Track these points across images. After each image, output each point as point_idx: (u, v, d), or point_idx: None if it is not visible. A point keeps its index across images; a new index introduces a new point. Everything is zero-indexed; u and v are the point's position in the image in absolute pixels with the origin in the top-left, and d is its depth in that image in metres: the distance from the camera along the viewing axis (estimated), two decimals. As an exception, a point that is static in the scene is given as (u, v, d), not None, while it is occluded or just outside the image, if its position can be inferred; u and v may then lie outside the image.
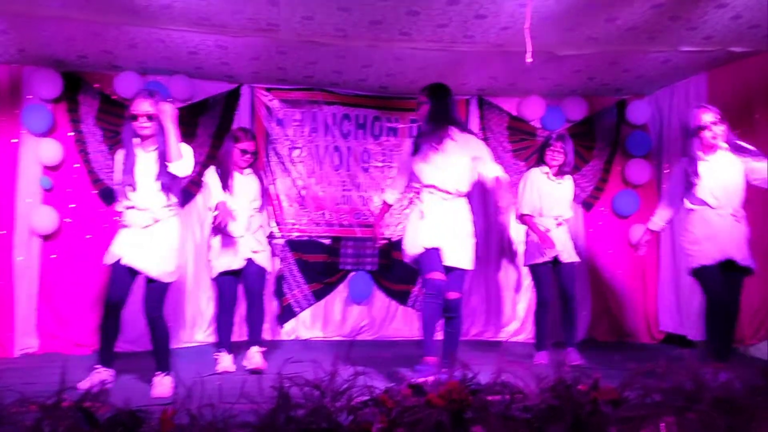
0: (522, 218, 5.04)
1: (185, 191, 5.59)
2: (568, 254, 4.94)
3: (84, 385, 2.94)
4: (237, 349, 4.78)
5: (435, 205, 3.96)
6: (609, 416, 1.79)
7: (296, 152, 6.04)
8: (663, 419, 1.83)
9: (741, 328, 4.72)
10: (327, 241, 6.08)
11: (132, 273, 3.78)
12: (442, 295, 3.84)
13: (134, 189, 3.75)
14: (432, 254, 3.89)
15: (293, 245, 5.99)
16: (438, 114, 3.98)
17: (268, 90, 5.94)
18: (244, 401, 2.03)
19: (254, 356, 4.59)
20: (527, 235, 5.08)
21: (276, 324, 5.94)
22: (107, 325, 3.82)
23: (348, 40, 4.65)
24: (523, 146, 6.16)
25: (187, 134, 5.56)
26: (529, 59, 3.77)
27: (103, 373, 3.74)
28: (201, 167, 5.61)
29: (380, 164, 6.17)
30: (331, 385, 1.96)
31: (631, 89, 6.09)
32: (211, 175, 4.66)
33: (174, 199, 3.86)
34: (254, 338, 4.71)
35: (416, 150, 4.03)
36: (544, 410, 1.82)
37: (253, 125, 5.86)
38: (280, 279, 5.93)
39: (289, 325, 5.98)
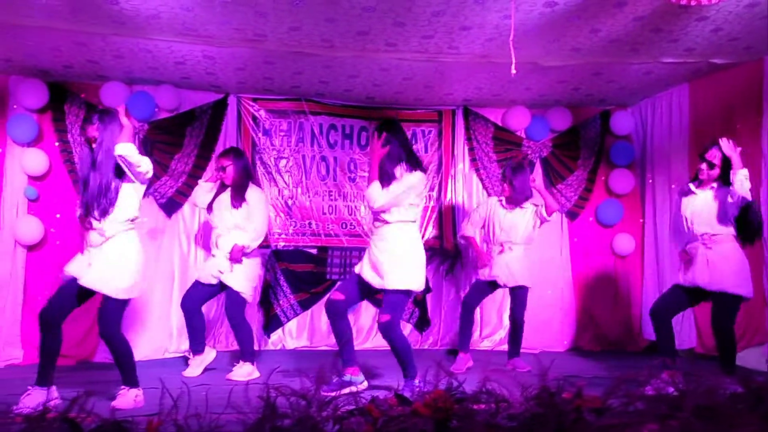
0: (464, 238, 5.48)
1: (171, 201, 5.60)
2: (511, 279, 5.07)
3: (22, 410, 2.75)
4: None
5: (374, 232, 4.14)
6: (592, 424, 1.81)
7: (283, 162, 6.05)
8: (646, 427, 1.85)
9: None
10: (313, 251, 6.08)
11: (81, 293, 3.65)
12: (337, 315, 4.07)
13: (82, 208, 3.70)
14: (352, 276, 4.18)
15: (280, 255, 5.98)
16: (398, 150, 4.02)
17: (255, 100, 5.95)
18: (230, 411, 2.04)
19: (236, 371, 4.65)
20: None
21: (262, 334, 5.93)
22: (45, 342, 3.63)
23: (335, 51, 4.68)
24: (509, 156, 6.20)
25: (174, 144, 5.59)
26: (513, 70, 3.80)
27: (37, 395, 3.51)
28: (187, 177, 5.63)
29: (367, 174, 6.18)
30: (317, 395, 1.97)
31: (614, 100, 6.16)
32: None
33: (126, 215, 3.69)
34: (241, 355, 4.77)
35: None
36: (528, 418, 1.84)
37: (240, 135, 5.87)
38: (266, 289, 5.93)
39: (275, 335, 5.98)
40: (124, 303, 3.70)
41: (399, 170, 3.98)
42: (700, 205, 4.18)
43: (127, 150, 3.57)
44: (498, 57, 4.61)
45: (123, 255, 3.68)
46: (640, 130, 6.30)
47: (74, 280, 3.66)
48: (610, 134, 6.31)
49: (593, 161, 6.30)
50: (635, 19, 4.08)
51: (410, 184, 3.94)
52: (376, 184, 3.93)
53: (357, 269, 4.12)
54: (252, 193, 4.80)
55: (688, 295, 4.23)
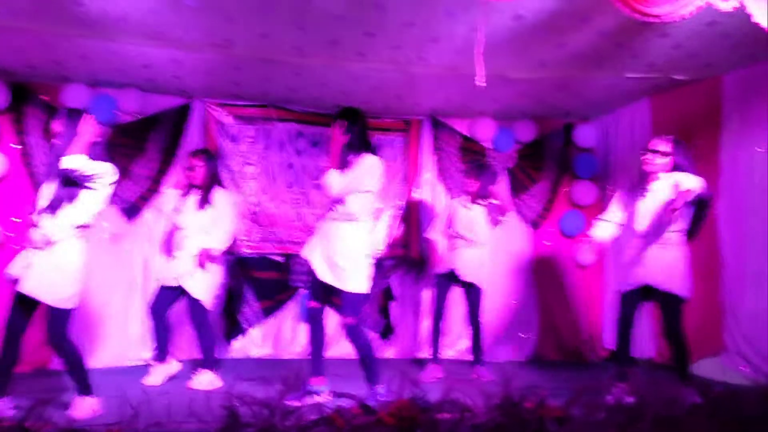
0: (427, 240, 5.64)
1: (134, 206, 5.51)
2: (467, 274, 5.17)
3: None
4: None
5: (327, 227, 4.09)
6: (554, 433, 1.83)
7: (249, 169, 6.00)
8: (606, 436, 1.88)
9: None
10: (279, 259, 6.04)
11: (25, 299, 3.52)
12: (317, 322, 4.11)
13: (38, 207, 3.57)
14: (315, 281, 4.06)
15: (244, 262, 5.93)
16: (358, 139, 4.04)
17: (221, 105, 5.90)
18: (192, 420, 2.01)
19: (197, 379, 4.59)
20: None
21: (225, 341, 5.86)
22: (4, 354, 3.54)
23: (304, 58, 4.67)
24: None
25: (137, 149, 5.51)
26: (480, 82, 3.84)
27: None
28: (151, 182, 5.55)
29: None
30: (280, 404, 1.96)
31: (578, 113, 6.26)
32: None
33: (76, 220, 3.54)
34: (202, 362, 4.70)
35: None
36: (492, 428, 1.85)
37: (205, 141, 5.81)
38: (229, 296, 5.87)
39: (239, 343, 5.91)
40: (68, 311, 3.59)
41: (356, 158, 4.00)
42: (653, 202, 4.17)
43: (72, 163, 3.41)
44: (466, 68, 4.64)
45: (63, 263, 3.54)
46: (603, 143, 6.41)
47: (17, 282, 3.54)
48: (573, 146, 6.41)
49: (557, 173, 6.39)
50: (599, 33, 4.16)
51: (365, 167, 3.95)
52: (333, 171, 3.96)
53: (306, 255, 4.10)
54: (219, 195, 4.74)
55: (636, 295, 4.28)
